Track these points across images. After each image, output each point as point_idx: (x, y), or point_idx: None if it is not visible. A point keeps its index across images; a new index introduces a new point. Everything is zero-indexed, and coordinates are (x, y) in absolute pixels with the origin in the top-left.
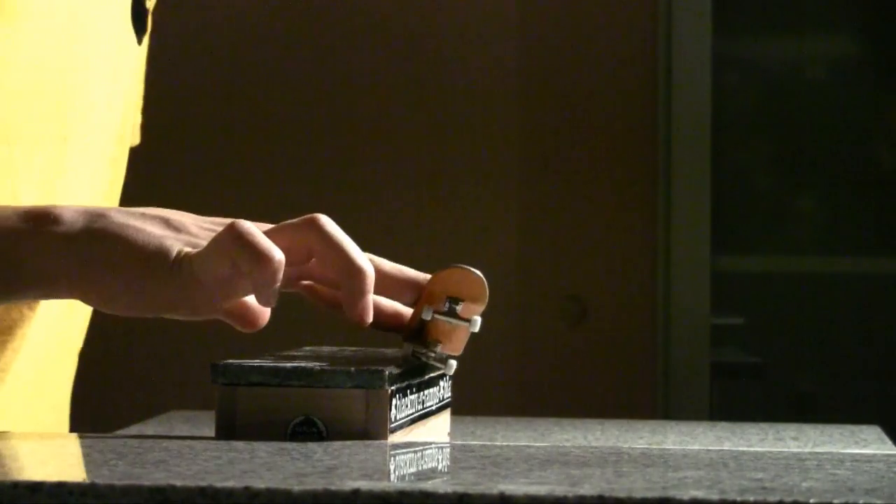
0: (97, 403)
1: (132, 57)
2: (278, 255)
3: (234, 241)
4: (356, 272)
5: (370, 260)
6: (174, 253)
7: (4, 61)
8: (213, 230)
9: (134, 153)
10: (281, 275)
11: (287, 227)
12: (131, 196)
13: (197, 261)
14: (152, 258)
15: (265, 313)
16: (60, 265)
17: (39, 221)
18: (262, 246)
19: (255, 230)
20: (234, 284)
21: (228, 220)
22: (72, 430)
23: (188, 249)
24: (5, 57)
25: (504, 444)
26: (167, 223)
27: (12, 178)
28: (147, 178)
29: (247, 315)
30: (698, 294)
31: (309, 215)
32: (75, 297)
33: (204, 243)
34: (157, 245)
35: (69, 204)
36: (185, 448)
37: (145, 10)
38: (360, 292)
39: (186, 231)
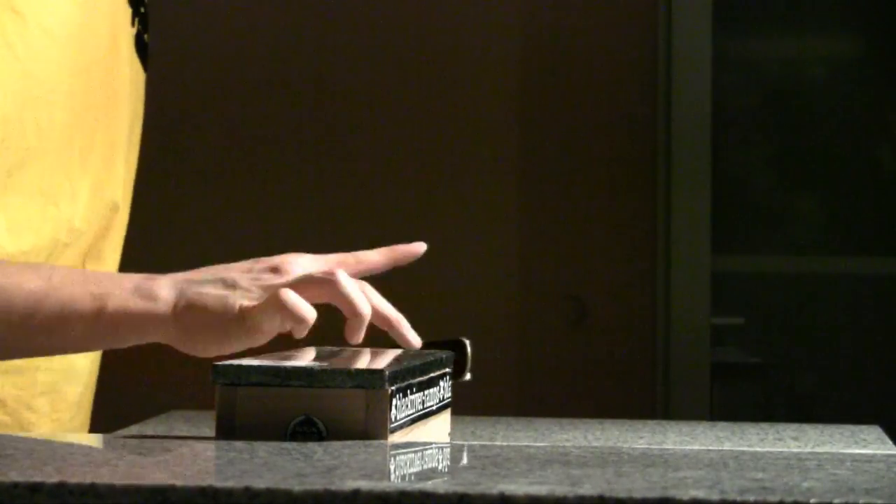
0: (97, 404)
1: (141, 82)
2: (311, 315)
3: (281, 308)
4: (358, 315)
5: (365, 292)
6: (236, 309)
7: (79, 85)
8: (258, 279)
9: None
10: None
11: (313, 283)
12: (135, 195)
13: (256, 316)
14: (223, 316)
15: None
16: (158, 333)
17: (144, 298)
18: (300, 312)
19: (296, 299)
20: (282, 328)
21: (268, 266)
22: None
23: (245, 303)
24: (79, 81)
25: (504, 444)
26: (224, 283)
27: (71, 180)
28: (147, 178)
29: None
30: (698, 294)
31: (328, 273)
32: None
33: (254, 292)
34: (223, 305)
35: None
36: (185, 448)
37: (146, 44)
38: (359, 327)
39: (240, 286)
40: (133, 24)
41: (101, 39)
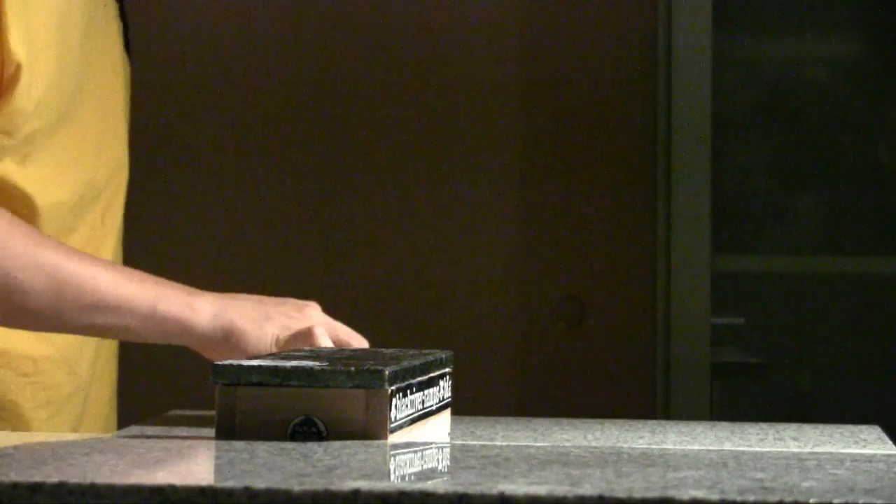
0: None
1: (127, 67)
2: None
3: (307, 340)
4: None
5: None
6: (271, 340)
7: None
8: (288, 315)
9: (137, 151)
10: None
11: (337, 329)
12: (134, 197)
13: (287, 345)
14: (258, 343)
15: None
16: (193, 341)
17: (189, 309)
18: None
19: (322, 334)
20: None
21: (297, 306)
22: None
23: (277, 333)
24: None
25: (504, 444)
26: (259, 313)
27: (94, 140)
28: (149, 177)
29: None
30: (698, 294)
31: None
32: None
33: (285, 324)
34: (259, 334)
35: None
36: (185, 448)
37: (128, 40)
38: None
39: (273, 319)
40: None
41: (97, 10)
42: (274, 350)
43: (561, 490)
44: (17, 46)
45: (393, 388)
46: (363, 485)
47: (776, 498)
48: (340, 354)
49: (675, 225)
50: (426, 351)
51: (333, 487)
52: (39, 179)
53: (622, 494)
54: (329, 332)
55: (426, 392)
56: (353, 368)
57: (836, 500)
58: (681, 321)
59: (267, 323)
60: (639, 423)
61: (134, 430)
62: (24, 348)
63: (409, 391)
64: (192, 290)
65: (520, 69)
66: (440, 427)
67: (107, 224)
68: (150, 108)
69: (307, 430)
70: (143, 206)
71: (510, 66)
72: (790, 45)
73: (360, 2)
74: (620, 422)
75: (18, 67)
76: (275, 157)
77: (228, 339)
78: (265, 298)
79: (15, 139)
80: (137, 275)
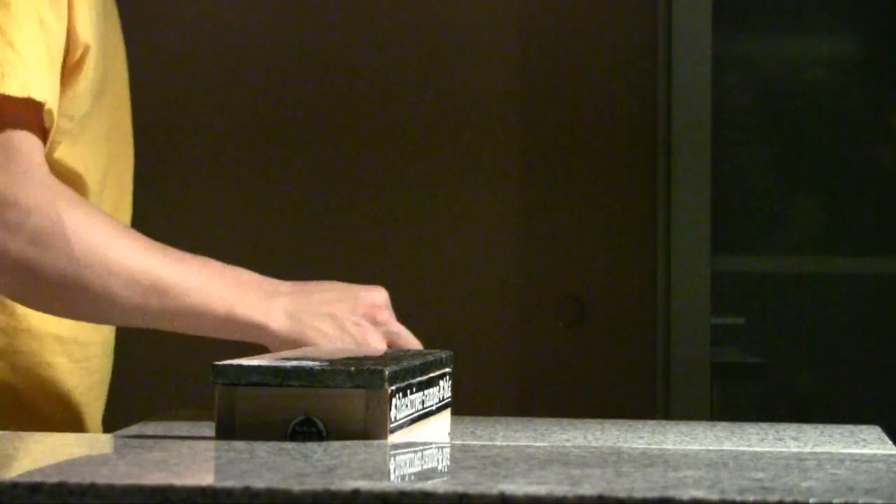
0: None
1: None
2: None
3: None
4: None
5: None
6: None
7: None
8: (359, 323)
9: (139, 151)
10: None
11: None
12: (135, 195)
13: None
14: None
15: None
16: (265, 342)
17: (264, 315)
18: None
19: (381, 343)
20: None
21: (368, 314)
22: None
23: (348, 339)
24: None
25: (504, 444)
26: (333, 321)
27: (112, 148)
28: (149, 178)
29: None
30: (698, 294)
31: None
32: None
33: (356, 338)
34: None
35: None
36: (185, 448)
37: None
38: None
39: (347, 331)
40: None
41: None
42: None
43: (561, 490)
44: (84, 29)
45: (393, 388)
46: (363, 485)
47: (776, 498)
48: (341, 354)
49: (675, 225)
50: (426, 351)
51: (333, 487)
52: (83, 159)
53: (622, 494)
54: (390, 342)
55: (426, 392)
56: (353, 368)
57: (836, 500)
58: (681, 321)
59: (340, 336)
60: (639, 423)
61: (134, 430)
62: (76, 334)
63: (409, 391)
64: (270, 287)
65: (520, 69)
66: (440, 427)
67: (120, 208)
68: (150, 107)
69: (307, 430)
70: (142, 206)
71: (510, 67)
72: (790, 45)
73: (360, 2)
74: (620, 422)
75: (86, 50)
76: (275, 158)
77: (299, 345)
78: (337, 297)
79: (73, 121)
80: (218, 271)
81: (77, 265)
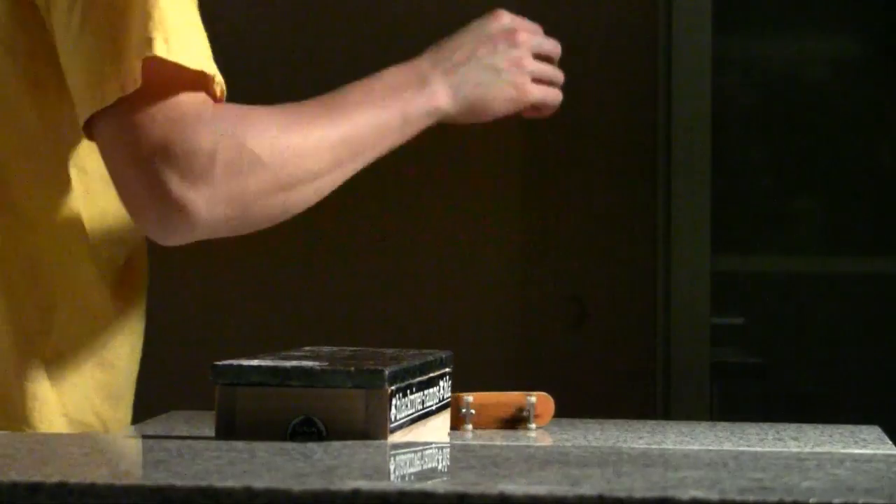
0: None
1: None
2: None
3: (544, 98)
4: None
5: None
6: (514, 95)
7: None
8: (509, 56)
9: None
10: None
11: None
12: None
13: (532, 99)
14: (504, 104)
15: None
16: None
17: (434, 119)
18: (553, 101)
19: (546, 94)
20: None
21: (506, 41)
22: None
23: (515, 92)
24: None
25: (504, 444)
26: (492, 71)
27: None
28: None
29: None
30: (698, 294)
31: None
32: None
33: (517, 75)
34: (504, 98)
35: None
36: (185, 448)
37: None
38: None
39: (504, 73)
40: None
41: None
42: (522, 91)
43: (561, 490)
44: None
45: (393, 388)
46: (363, 485)
47: (776, 498)
48: (341, 354)
49: (675, 225)
50: (426, 351)
51: (333, 487)
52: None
53: (622, 494)
54: (534, 48)
55: (426, 392)
56: (353, 368)
57: (836, 500)
58: (681, 321)
59: (507, 85)
60: (639, 423)
61: (134, 430)
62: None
63: (409, 391)
64: (422, 71)
65: None
66: (440, 427)
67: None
68: None
69: (307, 430)
70: None
71: None
72: (790, 45)
73: (360, 2)
74: (620, 422)
75: None
76: None
77: (474, 109)
78: (478, 37)
79: None
80: (378, 89)
81: (275, 171)
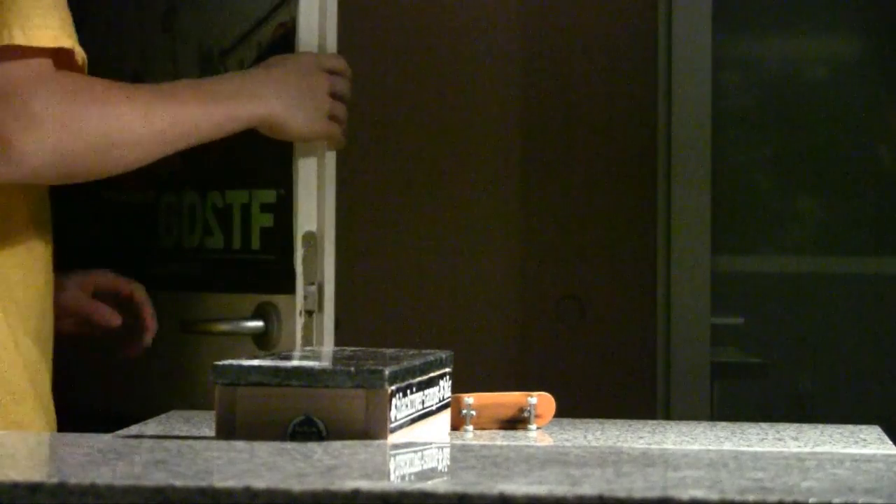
0: (98, 404)
1: None
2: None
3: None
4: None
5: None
6: (315, 129)
7: None
8: (325, 105)
9: None
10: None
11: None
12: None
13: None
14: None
15: None
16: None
17: (252, 100)
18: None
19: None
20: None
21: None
22: (71, 431)
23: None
24: None
25: (504, 444)
26: (308, 98)
27: None
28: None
29: None
30: (698, 294)
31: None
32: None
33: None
34: (311, 130)
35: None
36: (185, 448)
37: None
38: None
39: (317, 105)
40: None
41: None
42: (320, 124)
43: (561, 490)
44: None
45: (393, 388)
46: (363, 485)
47: (776, 498)
48: (341, 354)
49: (675, 225)
50: (426, 351)
51: (333, 487)
52: None
53: (622, 494)
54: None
55: (426, 392)
56: (352, 368)
57: (836, 500)
58: (681, 321)
59: (303, 108)
60: (639, 423)
61: (134, 430)
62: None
63: (409, 391)
64: (244, 84)
65: (520, 69)
66: (440, 427)
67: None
68: None
69: (307, 430)
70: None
71: (510, 67)
72: (790, 45)
73: (361, 3)
74: (620, 422)
75: None
76: None
77: (273, 128)
78: (299, 71)
79: None
80: (205, 89)
81: (99, 132)
